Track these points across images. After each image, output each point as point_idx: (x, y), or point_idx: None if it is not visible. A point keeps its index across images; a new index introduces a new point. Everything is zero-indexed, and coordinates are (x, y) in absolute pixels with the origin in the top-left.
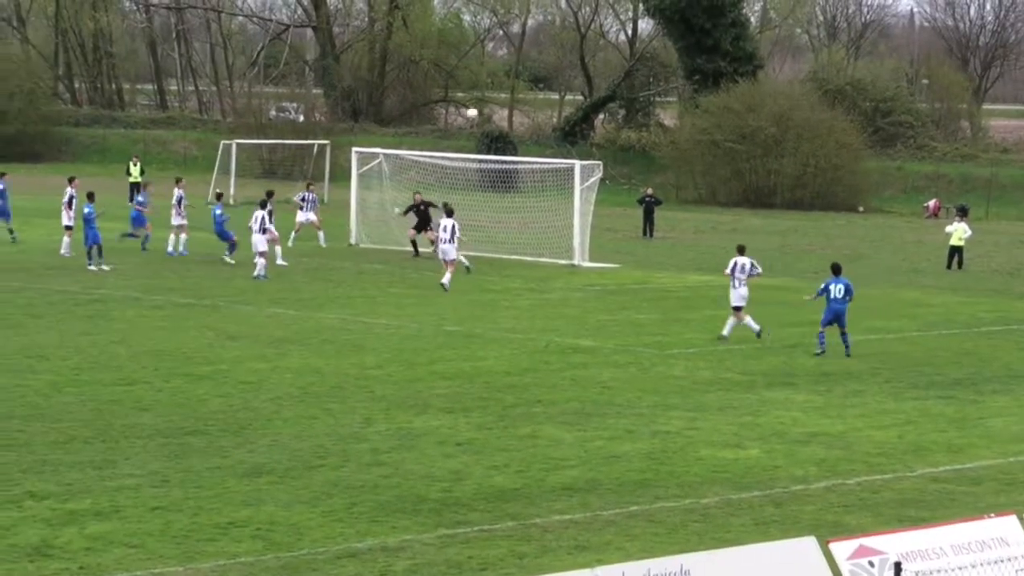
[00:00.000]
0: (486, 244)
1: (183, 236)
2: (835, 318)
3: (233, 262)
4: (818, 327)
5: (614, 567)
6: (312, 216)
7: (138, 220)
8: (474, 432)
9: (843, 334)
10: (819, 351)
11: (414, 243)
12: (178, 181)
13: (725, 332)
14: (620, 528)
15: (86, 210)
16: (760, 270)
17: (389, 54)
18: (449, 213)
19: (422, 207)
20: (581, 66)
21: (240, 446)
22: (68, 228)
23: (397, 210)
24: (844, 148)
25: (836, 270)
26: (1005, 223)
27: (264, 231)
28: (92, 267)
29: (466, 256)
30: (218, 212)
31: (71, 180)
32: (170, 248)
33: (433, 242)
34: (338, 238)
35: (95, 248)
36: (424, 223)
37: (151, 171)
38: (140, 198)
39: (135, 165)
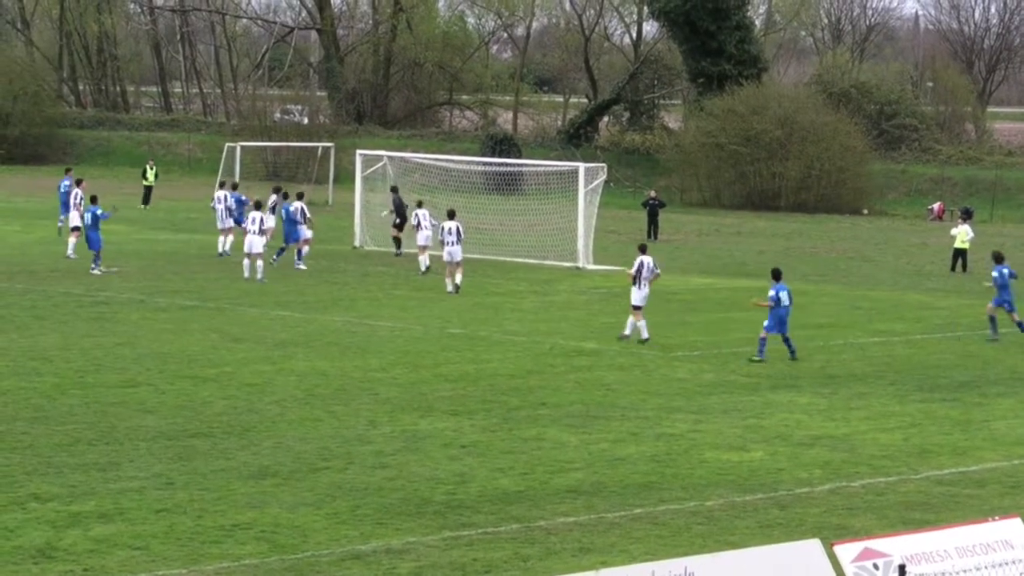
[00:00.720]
0: (490, 247)
1: (230, 238)
2: (780, 323)
3: (304, 267)
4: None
5: (618, 569)
6: None
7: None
8: (478, 434)
9: (786, 339)
10: (759, 358)
11: (397, 240)
12: (224, 185)
13: (627, 332)
14: (624, 530)
15: (98, 212)
16: (659, 271)
17: (393, 56)
18: (451, 215)
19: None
20: (585, 69)
21: (244, 448)
22: (76, 229)
23: (384, 213)
24: (849, 151)
25: (776, 275)
26: (1010, 226)
27: (263, 233)
28: (96, 270)
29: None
30: (290, 208)
31: (78, 182)
32: (220, 250)
33: (424, 248)
34: (343, 241)
35: (97, 253)
36: (401, 217)
37: None
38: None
39: (151, 169)
